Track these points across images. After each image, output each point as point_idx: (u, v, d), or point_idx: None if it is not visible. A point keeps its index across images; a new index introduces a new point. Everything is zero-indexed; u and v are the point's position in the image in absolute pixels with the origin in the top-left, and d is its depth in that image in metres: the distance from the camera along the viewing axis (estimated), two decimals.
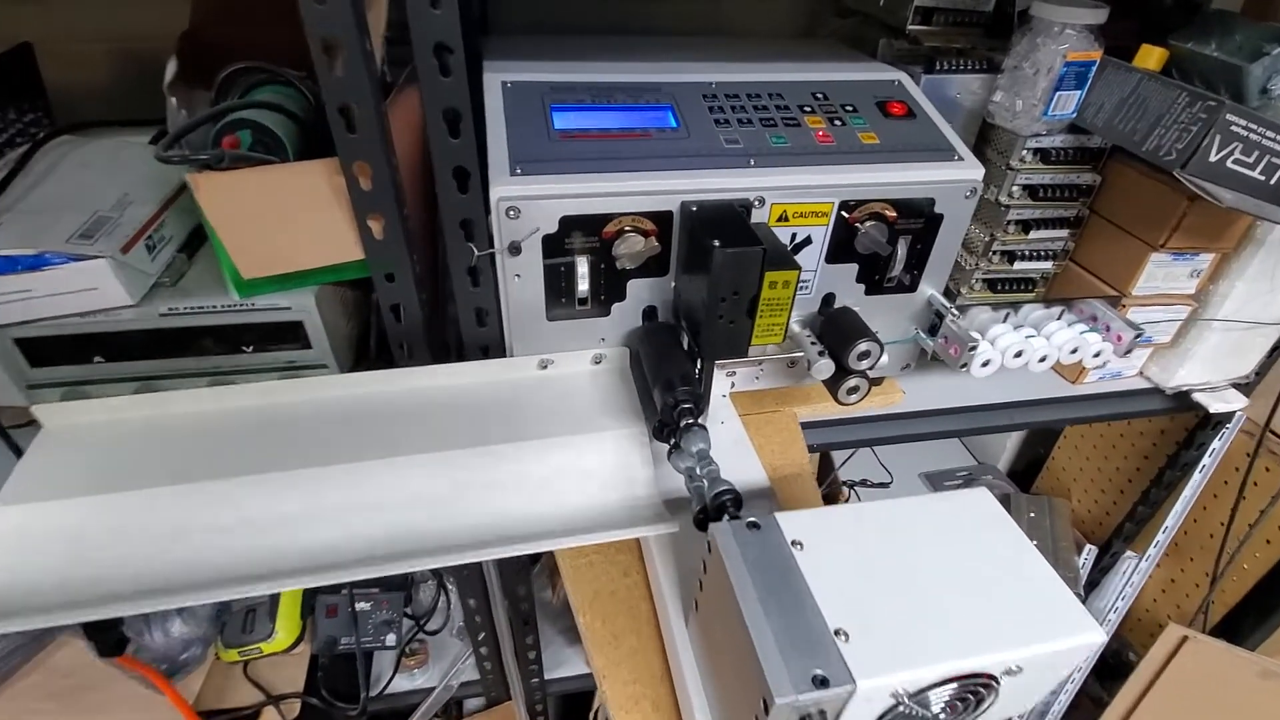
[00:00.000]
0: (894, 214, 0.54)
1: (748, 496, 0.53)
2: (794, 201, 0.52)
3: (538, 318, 0.53)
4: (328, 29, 0.40)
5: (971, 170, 0.55)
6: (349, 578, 0.41)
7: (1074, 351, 0.61)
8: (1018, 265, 0.75)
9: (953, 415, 0.74)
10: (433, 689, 0.95)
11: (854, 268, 0.57)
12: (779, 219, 0.53)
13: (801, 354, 0.56)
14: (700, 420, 0.48)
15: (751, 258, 0.44)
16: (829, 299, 0.59)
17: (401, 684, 0.95)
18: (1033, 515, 1.16)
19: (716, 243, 0.43)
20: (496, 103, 0.54)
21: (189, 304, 0.55)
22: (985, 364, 0.59)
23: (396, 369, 0.54)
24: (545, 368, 0.56)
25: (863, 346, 0.53)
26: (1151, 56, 0.63)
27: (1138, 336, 0.61)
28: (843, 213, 0.54)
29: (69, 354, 0.56)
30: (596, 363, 0.57)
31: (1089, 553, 1.08)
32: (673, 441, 0.47)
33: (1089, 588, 1.08)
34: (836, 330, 0.55)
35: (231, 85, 0.60)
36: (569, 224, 0.49)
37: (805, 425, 0.68)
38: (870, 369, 0.55)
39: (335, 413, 0.52)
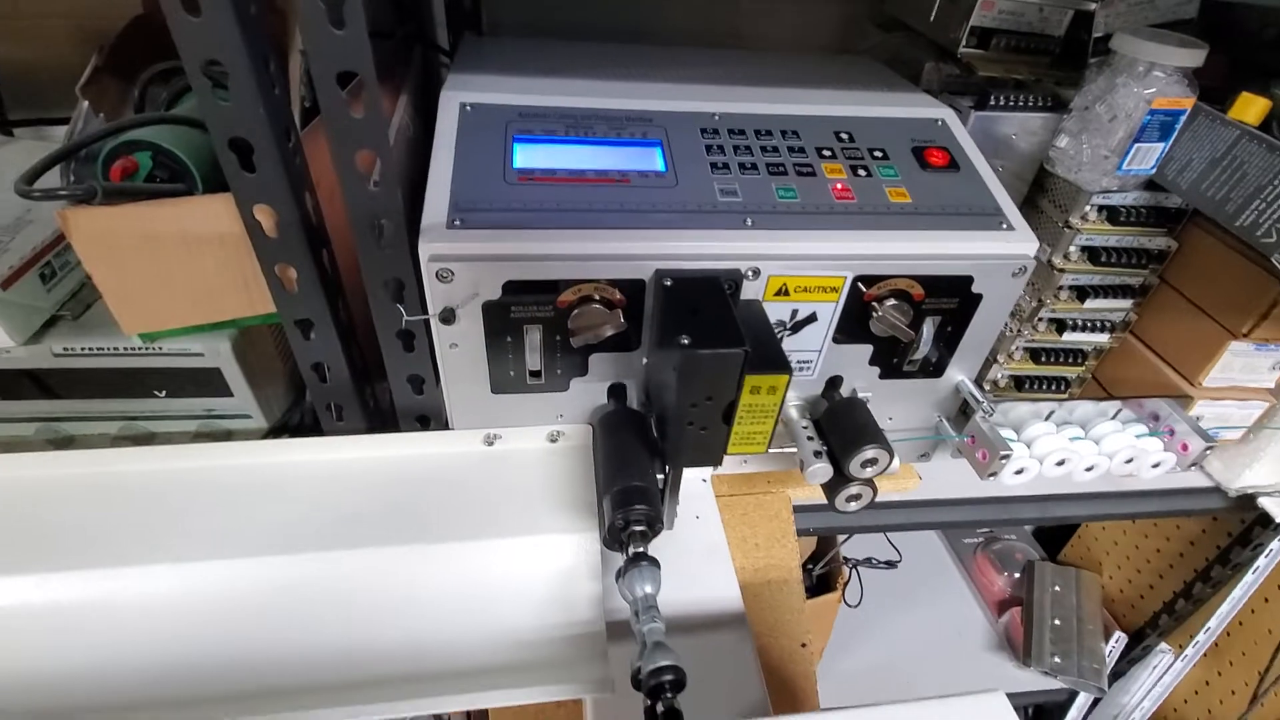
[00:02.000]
0: (921, 291, 0.44)
1: (714, 622, 0.44)
2: (797, 274, 0.42)
3: (480, 391, 0.45)
4: (206, 48, 0.32)
5: (1022, 243, 0.45)
6: None
7: (1128, 461, 0.51)
8: (1067, 336, 0.65)
9: (975, 505, 0.64)
10: None
11: (867, 349, 0.48)
12: (777, 292, 0.43)
13: (795, 449, 0.47)
14: (658, 534, 0.39)
15: (728, 361, 0.34)
16: (835, 381, 0.49)
17: None
18: (1057, 589, 1.05)
19: (685, 339, 0.34)
20: (449, 129, 0.45)
21: (87, 344, 0.47)
22: (1019, 472, 0.49)
23: (314, 439, 0.46)
24: (491, 443, 0.48)
25: (869, 454, 0.43)
26: (1252, 108, 0.51)
27: (1208, 449, 0.51)
28: (860, 286, 0.44)
29: None
30: (552, 440, 0.49)
31: (1118, 640, 0.97)
32: (620, 566, 0.39)
33: (1113, 678, 0.97)
34: (840, 427, 0.46)
35: (158, 90, 0.52)
36: (515, 290, 0.40)
37: (803, 509, 0.59)
38: (876, 476, 0.45)
39: (234, 488, 0.44)
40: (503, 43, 0.64)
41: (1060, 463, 0.49)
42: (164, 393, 0.51)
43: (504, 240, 0.39)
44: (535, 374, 0.45)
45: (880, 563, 0.90)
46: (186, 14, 0.31)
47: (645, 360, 0.45)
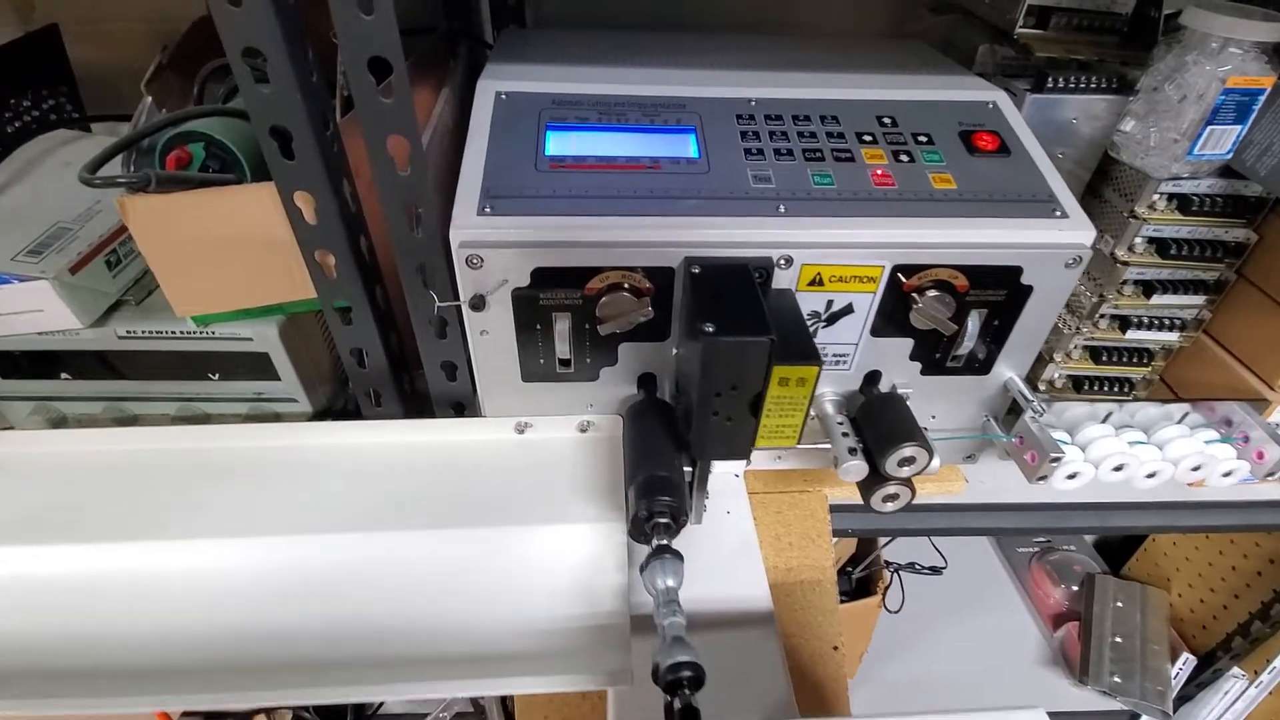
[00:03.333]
0: (965, 282, 0.42)
1: (741, 620, 0.43)
2: (832, 263, 0.41)
3: (510, 379, 0.45)
4: (246, 36, 0.33)
5: (1076, 231, 0.42)
6: (227, 704, 0.34)
7: (1196, 469, 0.47)
8: (1131, 334, 0.61)
9: (1027, 512, 0.60)
10: (426, 715, 0.91)
11: (908, 343, 0.46)
12: (810, 282, 0.42)
13: (829, 446, 0.45)
14: (683, 525, 0.39)
15: (753, 350, 0.33)
16: (874, 376, 0.48)
17: (396, 705, 0.92)
18: (1120, 605, 0.99)
19: (709, 326, 0.33)
20: (484, 117, 0.45)
21: (147, 327, 0.50)
22: (1071, 477, 0.46)
23: (351, 423, 0.48)
24: (523, 431, 0.48)
25: (906, 452, 0.42)
26: None
27: None
28: (899, 276, 0.42)
29: (35, 369, 0.53)
30: (583, 430, 0.49)
31: (1186, 662, 0.91)
32: (644, 559, 0.38)
33: (1180, 702, 0.91)
34: (877, 424, 0.44)
35: (215, 86, 0.54)
36: (544, 277, 0.40)
37: (841, 508, 0.58)
38: (915, 475, 0.43)
39: (273, 468, 0.46)
40: (543, 34, 0.64)
41: (1118, 468, 0.46)
42: (217, 376, 0.54)
43: (533, 227, 0.39)
44: (565, 363, 0.45)
45: (924, 568, 0.87)
46: (228, 4, 0.32)
47: (675, 351, 0.44)
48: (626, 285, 0.41)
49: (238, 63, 0.33)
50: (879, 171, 0.44)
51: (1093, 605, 0.99)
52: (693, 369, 0.38)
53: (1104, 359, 0.63)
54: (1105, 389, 0.65)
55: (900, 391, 0.48)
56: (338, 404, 0.57)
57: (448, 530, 0.43)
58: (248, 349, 0.51)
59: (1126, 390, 0.65)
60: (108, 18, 0.77)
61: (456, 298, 0.41)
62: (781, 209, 0.41)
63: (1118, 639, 0.95)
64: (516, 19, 0.75)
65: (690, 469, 0.42)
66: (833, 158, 0.45)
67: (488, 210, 0.40)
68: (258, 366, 0.52)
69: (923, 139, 0.47)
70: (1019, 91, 0.54)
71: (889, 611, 0.87)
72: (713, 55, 0.57)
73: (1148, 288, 0.58)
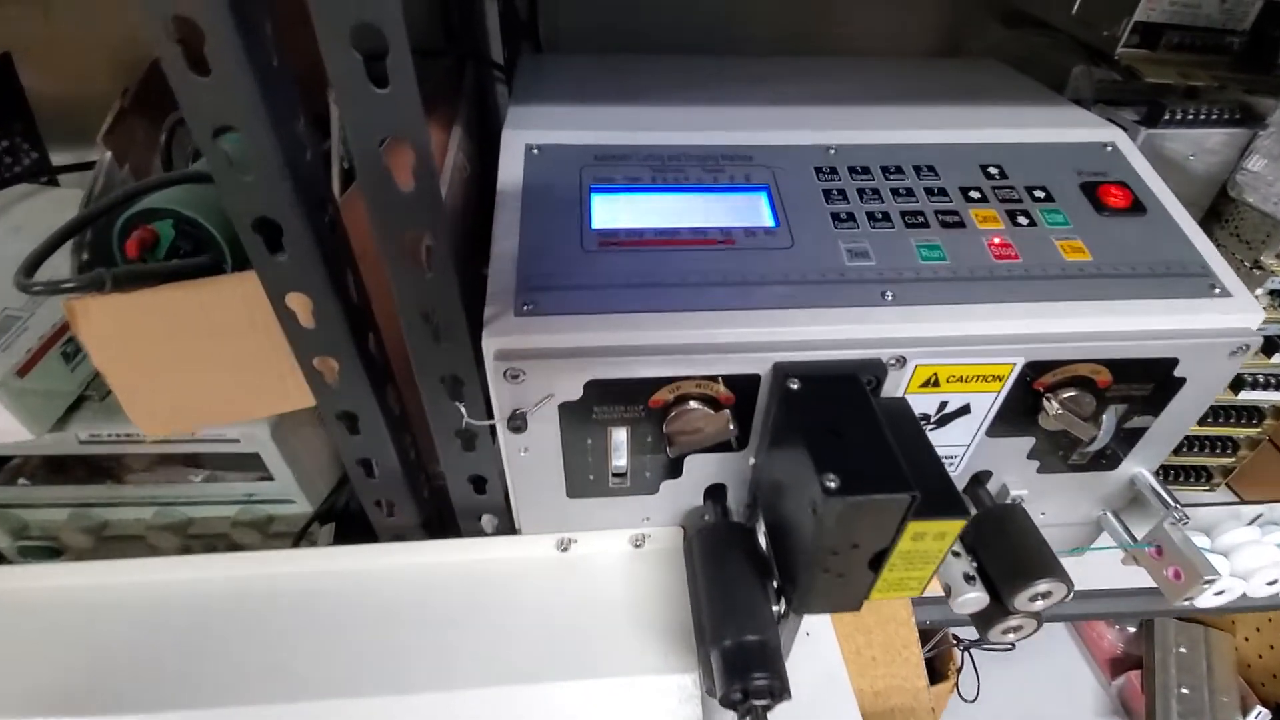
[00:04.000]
0: (1108, 377, 0.35)
1: None
2: (953, 362, 0.33)
3: (553, 495, 0.38)
4: (218, 114, 0.25)
5: (1242, 314, 0.35)
6: None
7: None
8: (1244, 394, 0.53)
9: (1125, 597, 0.53)
10: None
11: (1028, 442, 0.38)
12: (925, 384, 0.34)
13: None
14: (781, 701, 0.31)
15: (887, 510, 0.26)
16: (982, 476, 0.40)
17: None
18: (1182, 650, 0.92)
19: (832, 481, 0.26)
20: (514, 179, 0.38)
21: (114, 430, 0.42)
22: (1219, 594, 0.39)
23: (364, 546, 0.40)
24: (566, 549, 0.41)
25: (1042, 588, 0.34)
26: None
27: None
28: (1027, 373, 0.35)
29: None
30: (637, 545, 0.41)
31: (1259, 715, 0.85)
32: None
33: None
34: (1001, 548, 0.36)
35: (186, 133, 0.46)
36: (599, 390, 0.32)
37: (919, 601, 0.50)
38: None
39: (262, 605, 0.38)
40: (567, 62, 0.56)
41: (1272, 583, 0.39)
42: (199, 477, 0.46)
43: (585, 330, 0.32)
44: (619, 475, 0.37)
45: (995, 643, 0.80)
46: (193, 73, 0.24)
47: (753, 461, 0.37)
48: (700, 395, 0.33)
49: (209, 146, 0.25)
50: (996, 240, 0.36)
51: (1154, 652, 0.92)
52: (795, 497, 0.30)
53: (1209, 419, 0.55)
54: (1205, 450, 0.58)
55: (1013, 493, 0.40)
56: (341, 501, 0.50)
57: (476, 691, 0.35)
58: (235, 450, 0.43)
59: (1230, 451, 0.58)
60: (61, 40, 0.68)
61: (490, 414, 0.33)
62: (888, 295, 0.34)
63: (1184, 690, 0.89)
64: (529, 37, 0.67)
65: (778, 606, 0.35)
66: (939, 223, 0.37)
67: (527, 308, 0.32)
68: (247, 466, 0.45)
69: (1039, 194, 0.39)
70: (1127, 124, 0.47)
71: (964, 700, 0.80)
72: (768, 87, 0.49)
73: (1269, 345, 0.51)
